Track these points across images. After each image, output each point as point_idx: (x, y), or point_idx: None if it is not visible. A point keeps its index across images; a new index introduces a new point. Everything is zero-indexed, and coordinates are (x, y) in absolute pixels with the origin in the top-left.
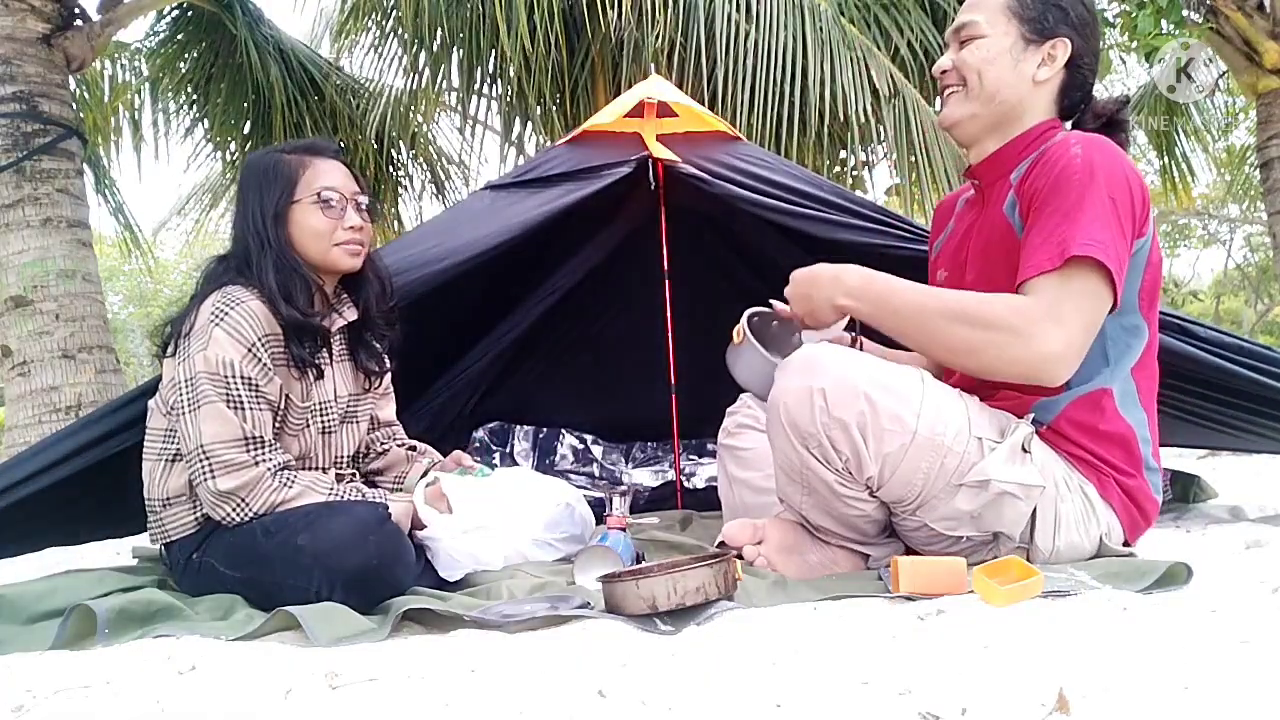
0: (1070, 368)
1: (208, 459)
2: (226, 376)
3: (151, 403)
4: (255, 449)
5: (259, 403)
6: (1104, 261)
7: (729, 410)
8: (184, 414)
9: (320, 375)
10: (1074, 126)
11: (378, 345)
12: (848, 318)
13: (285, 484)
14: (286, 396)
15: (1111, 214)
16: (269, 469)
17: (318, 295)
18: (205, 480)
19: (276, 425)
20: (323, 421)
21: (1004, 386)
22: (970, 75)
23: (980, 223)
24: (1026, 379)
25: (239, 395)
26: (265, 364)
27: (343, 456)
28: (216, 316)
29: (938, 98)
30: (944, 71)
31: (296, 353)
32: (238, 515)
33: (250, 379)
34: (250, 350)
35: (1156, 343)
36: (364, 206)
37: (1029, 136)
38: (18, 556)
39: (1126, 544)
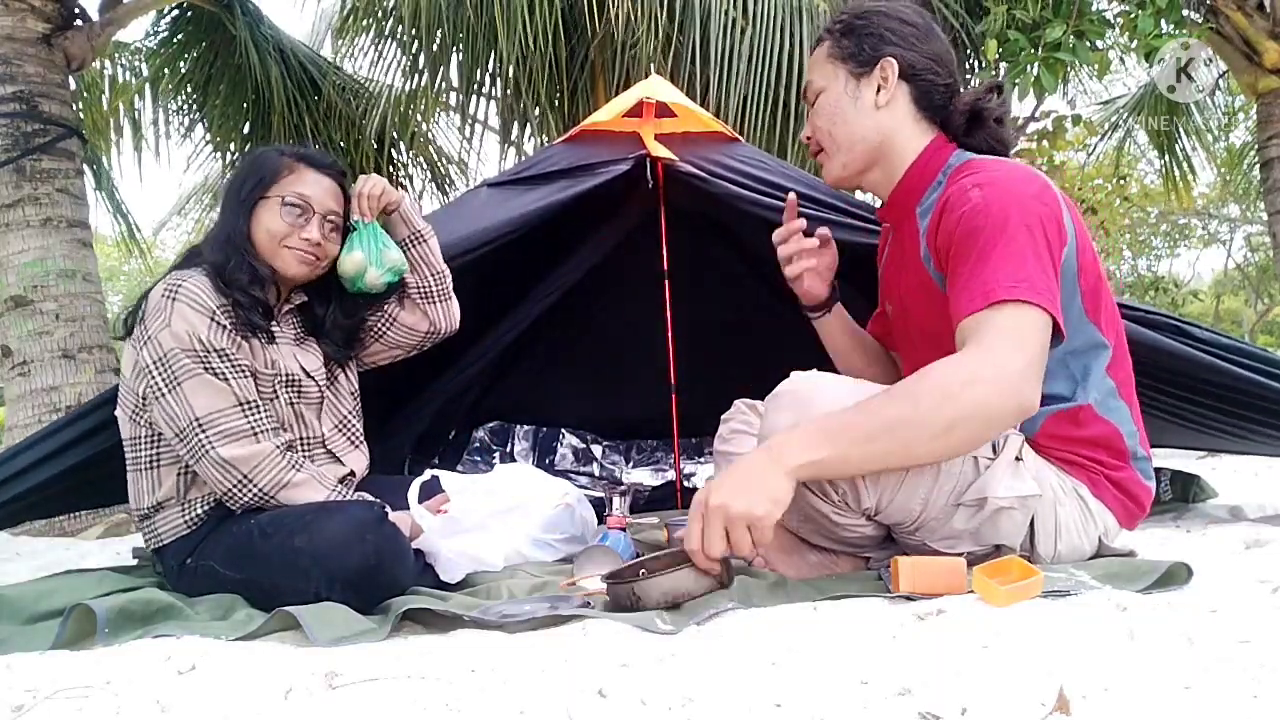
0: (1038, 388)
1: (205, 429)
2: (197, 350)
3: (117, 413)
4: (251, 413)
5: (237, 370)
6: (1033, 301)
7: (723, 417)
8: (164, 396)
9: (271, 339)
10: (943, 124)
11: (338, 326)
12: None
13: (293, 466)
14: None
15: (1029, 246)
16: (275, 446)
17: (268, 284)
18: (206, 451)
19: None
20: (291, 393)
21: None
22: (824, 137)
23: (902, 266)
24: (1015, 414)
25: (216, 365)
26: (229, 329)
27: (318, 436)
28: (170, 293)
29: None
30: (808, 138)
31: (244, 316)
32: (242, 492)
33: (221, 350)
34: (212, 318)
35: (1123, 334)
36: (336, 229)
37: (920, 165)
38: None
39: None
